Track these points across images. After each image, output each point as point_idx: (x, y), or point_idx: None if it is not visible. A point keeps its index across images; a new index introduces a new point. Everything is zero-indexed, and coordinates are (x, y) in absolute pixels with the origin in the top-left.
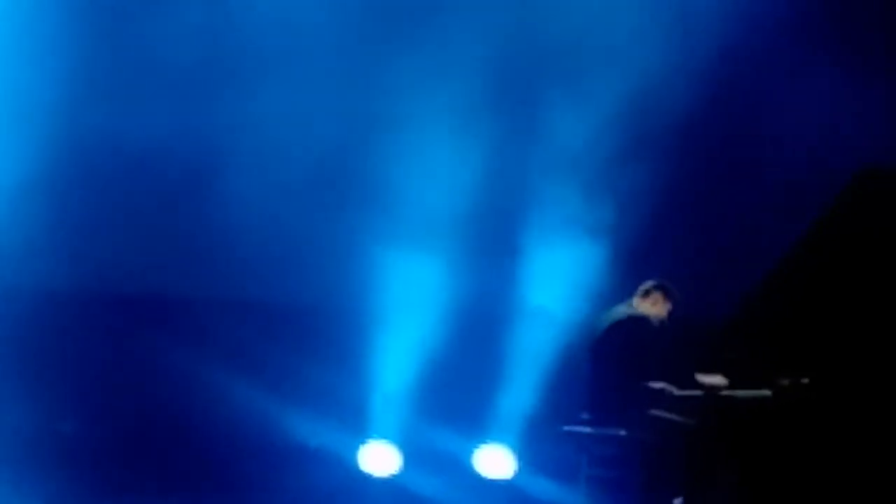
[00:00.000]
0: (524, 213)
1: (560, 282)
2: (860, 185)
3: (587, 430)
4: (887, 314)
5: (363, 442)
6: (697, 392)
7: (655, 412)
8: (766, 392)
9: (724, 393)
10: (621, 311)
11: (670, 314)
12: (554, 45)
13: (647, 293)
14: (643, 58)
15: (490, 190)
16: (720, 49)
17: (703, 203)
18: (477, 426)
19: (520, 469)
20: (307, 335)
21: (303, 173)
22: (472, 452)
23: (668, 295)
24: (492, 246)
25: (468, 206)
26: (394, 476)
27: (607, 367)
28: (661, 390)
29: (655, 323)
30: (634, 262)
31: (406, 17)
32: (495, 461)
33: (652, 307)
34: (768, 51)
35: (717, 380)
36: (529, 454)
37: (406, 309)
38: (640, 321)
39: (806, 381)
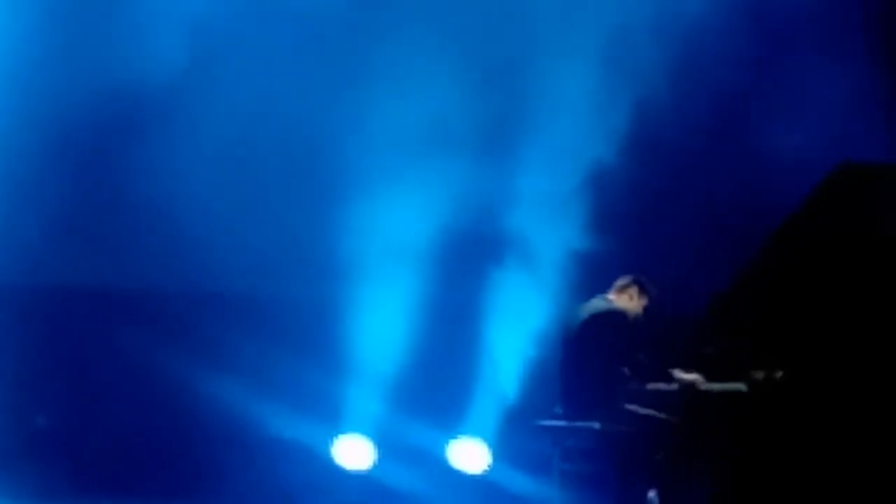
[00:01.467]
0: (500, 211)
1: (535, 277)
2: (836, 180)
3: (561, 423)
4: (861, 308)
5: (337, 435)
6: (673, 386)
7: (630, 406)
8: (741, 386)
9: (699, 387)
10: (598, 304)
11: (646, 310)
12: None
13: (623, 288)
14: (625, 60)
15: (469, 188)
16: (701, 51)
17: (677, 199)
18: (451, 420)
19: (494, 463)
20: (281, 328)
21: (278, 167)
22: (446, 446)
23: (644, 290)
24: (468, 242)
25: (447, 204)
26: (368, 470)
27: (583, 361)
28: (637, 384)
29: (632, 318)
30: (610, 257)
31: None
32: (469, 455)
33: (629, 302)
34: (749, 50)
35: (693, 377)
36: (503, 448)
37: (381, 302)
38: (617, 315)
39: (780, 374)
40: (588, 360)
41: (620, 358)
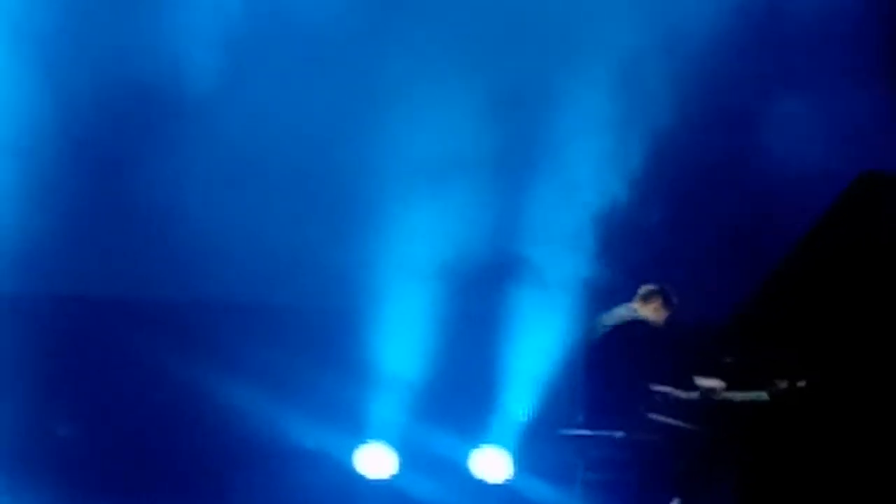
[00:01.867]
0: (521, 228)
1: (556, 289)
2: (858, 190)
3: (584, 432)
4: (884, 318)
5: (360, 444)
6: (695, 395)
7: (653, 415)
8: (763, 394)
9: (722, 395)
10: (621, 313)
11: (668, 320)
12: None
13: (647, 297)
14: (639, 82)
15: (489, 205)
16: (716, 68)
17: (700, 207)
18: (474, 428)
19: (516, 472)
20: (303, 337)
21: (297, 178)
22: (468, 455)
23: (667, 300)
24: (490, 256)
25: (469, 220)
26: (390, 478)
27: (606, 370)
28: (660, 393)
29: (655, 327)
30: (631, 264)
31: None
32: (492, 464)
33: (653, 312)
34: (765, 58)
35: (714, 383)
36: (526, 457)
37: (404, 312)
38: (641, 325)
39: (803, 383)
40: (611, 369)
41: (643, 367)
